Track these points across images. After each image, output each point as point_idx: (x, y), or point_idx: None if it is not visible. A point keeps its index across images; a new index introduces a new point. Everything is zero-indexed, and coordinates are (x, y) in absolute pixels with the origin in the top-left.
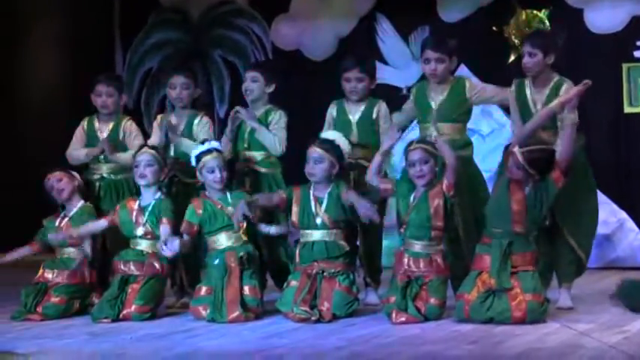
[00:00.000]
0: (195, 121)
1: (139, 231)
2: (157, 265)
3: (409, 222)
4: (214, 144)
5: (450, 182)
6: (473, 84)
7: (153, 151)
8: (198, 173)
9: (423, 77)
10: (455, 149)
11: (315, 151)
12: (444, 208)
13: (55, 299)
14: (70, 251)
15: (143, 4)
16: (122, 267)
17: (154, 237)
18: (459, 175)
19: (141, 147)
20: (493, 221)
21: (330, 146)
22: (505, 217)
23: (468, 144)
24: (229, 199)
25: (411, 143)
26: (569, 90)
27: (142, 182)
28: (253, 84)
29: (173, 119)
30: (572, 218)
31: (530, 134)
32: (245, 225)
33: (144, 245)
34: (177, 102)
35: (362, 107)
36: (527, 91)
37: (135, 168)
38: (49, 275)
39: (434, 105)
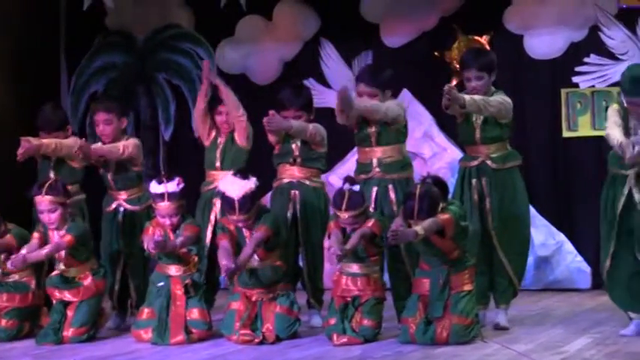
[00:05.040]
0: None
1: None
2: (90, 286)
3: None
4: (170, 187)
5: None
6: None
7: (50, 196)
8: (152, 201)
9: None
10: (396, 170)
11: None
12: (372, 242)
13: (6, 323)
14: (22, 274)
15: (89, 27)
16: (58, 294)
17: (78, 262)
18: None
19: (40, 185)
20: (425, 257)
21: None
22: (435, 254)
23: (408, 165)
24: (181, 229)
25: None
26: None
27: (50, 227)
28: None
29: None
30: (507, 239)
31: None
32: (196, 259)
33: (72, 272)
34: (103, 138)
35: None
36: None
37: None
38: None
39: (373, 129)
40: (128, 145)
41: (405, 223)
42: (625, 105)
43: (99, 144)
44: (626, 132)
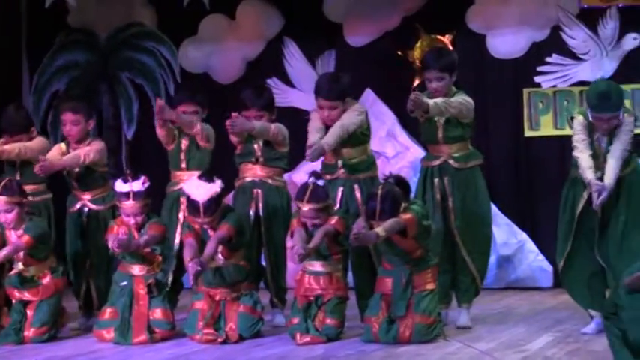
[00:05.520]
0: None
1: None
2: (50, 285)
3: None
4: (135, 186)
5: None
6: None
7: (5, 197)
8: (117, 201)
9: None
10: (361, 170)
11: None
12: (335, 240)
13: None
14: None
15: (51, 25)
16: (17, 294)
17: (37, 261)
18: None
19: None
20: (387, 256)
21: None
22: (398, 253)
23: (373, 164)
24: (145, 229)
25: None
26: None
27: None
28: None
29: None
30: (469, 238)
31: None
32: (160, 258)
33: (32, 271)
34: (69, 139)
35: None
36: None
37: None
38: None
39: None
40: (89, 153)
41: (368, 224)
42: (590, 119)
43: (57, 155)
44: (591, 144)
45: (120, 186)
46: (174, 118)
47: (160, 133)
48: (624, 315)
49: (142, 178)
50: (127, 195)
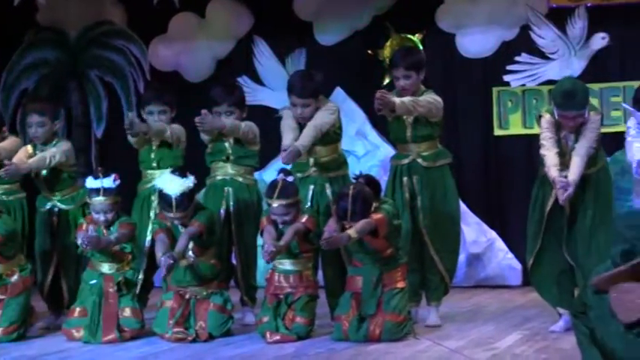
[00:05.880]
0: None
1: None
2: (18, 283)
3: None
4: (106, 182)
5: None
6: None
7: None
8: (87, 198)
9: None
10: (332, 169)
11: None
12: (305, 238)
13: None
14: None
15: (20, 22)
16: None
17: (5, 259)
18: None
19: None
20: (357, 255)
21: None
22: (368, 252)
23: (344, 162)
24: (116, 227)
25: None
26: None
27: None
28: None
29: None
30: (438, 237)
31: None
32: (130, 257)
33: (0, 269)
34: (35, 140)
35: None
36: None
37: None
38: None
39: None
40: (55, 154)
41: (339, 225)
42: (556, 117)
43: (24, 158)
44: (558, 142)
45: (90, 182)
46: (144, 130)
47: (132, 139)
48: (592, 314)
49: (113, 175)
50: (97, 191)
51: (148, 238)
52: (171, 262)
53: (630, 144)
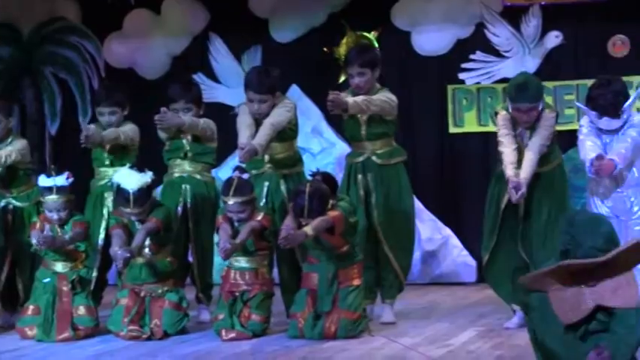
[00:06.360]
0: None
1: None
2: None
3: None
4: (59, 180)
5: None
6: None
7: None
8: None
9: None
10: (287, 166)
11: None
12: (261, 235)
13: None
14: None
15: None
16: None
17: None
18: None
19: None
20: (313, 251)
21: None
22: (324, 249)
23: (299, 159)
24: (69, 225)
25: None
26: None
27: None
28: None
29: None
30: (393, 234)
31: None
32: (84, 255)
33: None
34: None
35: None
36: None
37: None
38: None
39: None
40: (11, 153)
41: (295, 222)
42: (510, 110)
43: None
44: (515, 138)
45: (43, 180)
46: (98, 141)
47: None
48: (533, 315)
49: (66, 173)
50: (50, 189)
51: (101, 235)
52: (128, 255)
53: (583, 142)
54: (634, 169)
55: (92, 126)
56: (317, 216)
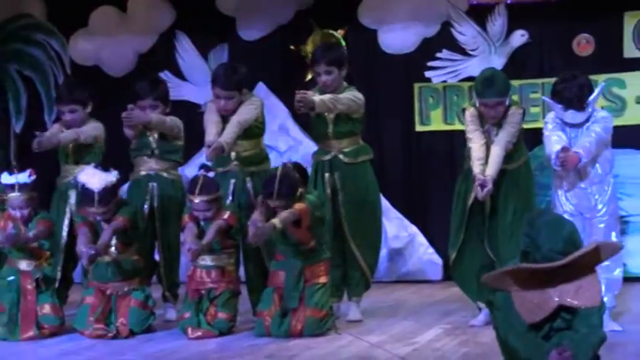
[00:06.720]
0: None
1: None
2: None
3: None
4: (21, 177)
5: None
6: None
7: None
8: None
9: None
10: (253, 163)
11: None
12: (227, 234)
13: None
14: None
15: None
16: None
17: None
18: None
19: None
20: (280, 247)
21: None
22: (291, 244)
23: (266, 157)
24: (34, 223)
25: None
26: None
27: None
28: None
29: None
30: (359, 232)
31: None
32: (48, 254)
33: None
34: None
35: None
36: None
37: None
38: None
39: None
40: None
41: (263, 216)
42: (477, 106)
43: None
44: (483, 134)
45: (5, 178)
46: (55, 144)
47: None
48: (497, 314)
49: (29, 170)
50: (12, 187)
51: (64, 233)
52: (93, 252)
53: (548, 138)
54: (597, 165)
55: (50, 131)
56: (285, 199)
